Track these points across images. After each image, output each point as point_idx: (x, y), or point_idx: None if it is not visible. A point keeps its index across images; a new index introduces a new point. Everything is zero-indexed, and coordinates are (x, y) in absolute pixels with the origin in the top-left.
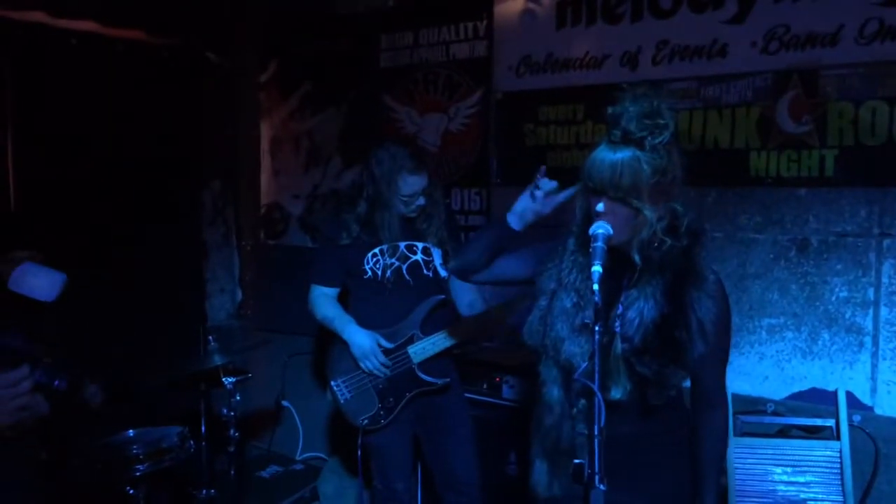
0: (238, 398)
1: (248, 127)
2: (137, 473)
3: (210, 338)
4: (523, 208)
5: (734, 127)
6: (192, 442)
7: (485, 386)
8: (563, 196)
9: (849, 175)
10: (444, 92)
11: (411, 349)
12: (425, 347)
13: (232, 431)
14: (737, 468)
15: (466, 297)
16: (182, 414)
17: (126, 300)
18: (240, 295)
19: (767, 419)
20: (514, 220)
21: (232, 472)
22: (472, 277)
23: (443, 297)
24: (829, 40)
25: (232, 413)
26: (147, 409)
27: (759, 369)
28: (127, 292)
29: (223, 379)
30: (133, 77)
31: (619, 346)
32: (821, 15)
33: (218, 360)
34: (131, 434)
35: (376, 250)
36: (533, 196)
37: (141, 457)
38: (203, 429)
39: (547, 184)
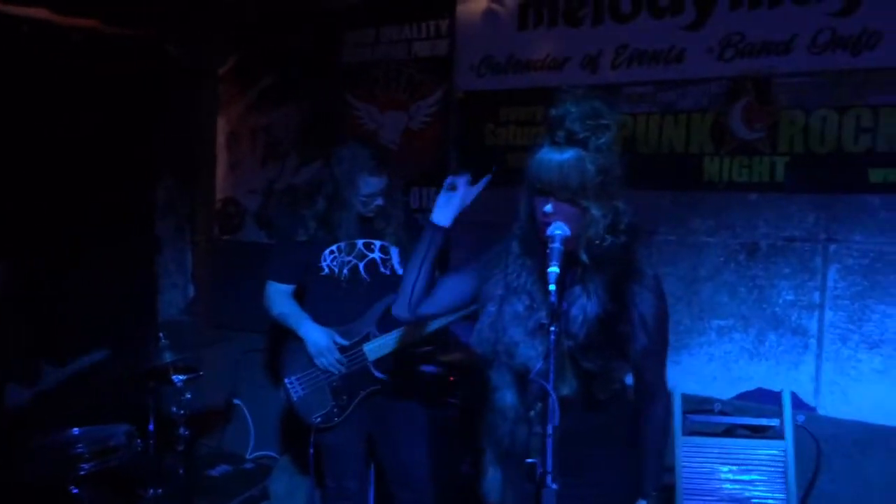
0: (188, 396)
1: (204, 120)
2: (82, 472)
3: (161, 334)
4: (445, 202)
5: (689, 132)
6: (139, 440)
7: (439, 384)
8: (480, 185)
9: (798, 181)
10: (405, 90)
11: (367, 347)
12: (381, 345)
13: (181, 430)
14: (684, 467)
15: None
16: (130, 412)
17: (75, 294)
18: (192, 291)
19: (715, 419)
20: (442, 218)
21: (181, 471)
22: (419, 312)
23: None
24: (782, 48)
25: (182, 411)
26: (94, 407)
27: (707, 369)
28: (76, 286)
29: (173, 377)
30: (88, 68)
31: (564, 343)
32: (775, 24)
33: (168, 357)
34: (76, 432)
35: (333, 247)
36: (453, 187)
37: (86, 455)
38: (151, 427)
39: (460, 179)
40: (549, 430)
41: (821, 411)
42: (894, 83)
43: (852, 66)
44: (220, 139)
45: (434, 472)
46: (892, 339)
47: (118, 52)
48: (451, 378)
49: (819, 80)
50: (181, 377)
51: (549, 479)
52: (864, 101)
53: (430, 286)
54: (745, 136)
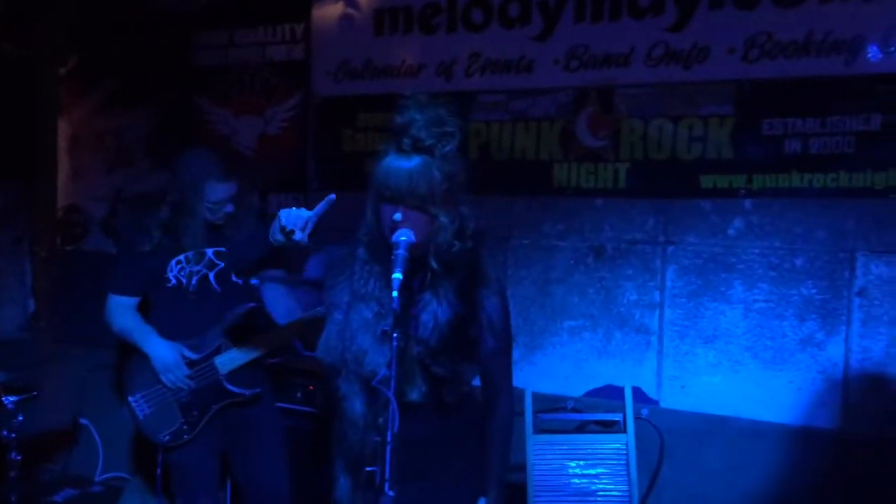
0: (21, 418)
1: (44, 123)
2: None
3: None
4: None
5: (539, 139)
6: None
7: (299, 395)
8: None
9: (639, 187)
10: (260, 94)
11: (218, 360)
12: (233, 357)
13: (13, 455)
14: (535, 465)
15: (284, 305)
16: None
17: None
18: (32, 305)
19: (567, 416)
20: None
21: (13, 498)
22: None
23: (253, 304)
24: (622, 61)
25: (13, 435)
26: None
27: (560, 369)
28: None
29: (3, 398)
30: None
31: (413, 348)
32: (615, 37)
33: None
34: None
35: (181, 257)
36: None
37: None
38: None
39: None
40: (389, 437)
41: (663, 404)
42: (721, 95)
43: (684, 79)
44: (62, 143)
45: (292, 487)
46: (724, 334)
47: None
48: (312, 387)
49: (655, 91)
50: (13, 398)
51: (386, 486)
52: (695, 112)
53: None
54: (591, 143)
